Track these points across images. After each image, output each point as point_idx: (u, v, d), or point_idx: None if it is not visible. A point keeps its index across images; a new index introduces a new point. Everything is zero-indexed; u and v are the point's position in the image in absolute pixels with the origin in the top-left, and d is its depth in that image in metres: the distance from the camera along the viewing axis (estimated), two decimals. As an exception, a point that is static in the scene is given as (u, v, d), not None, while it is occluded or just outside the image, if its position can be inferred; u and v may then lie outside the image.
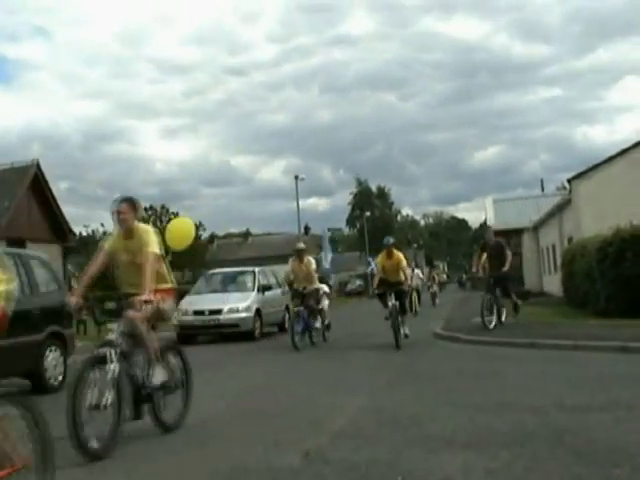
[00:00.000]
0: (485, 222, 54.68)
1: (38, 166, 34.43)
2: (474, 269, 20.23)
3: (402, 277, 17.20)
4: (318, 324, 18.64)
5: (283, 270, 23.35)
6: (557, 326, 17.87)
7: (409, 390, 10.13)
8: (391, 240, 18.17)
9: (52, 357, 11.89)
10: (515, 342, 15.08)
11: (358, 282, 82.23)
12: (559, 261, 32.28)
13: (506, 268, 17.89)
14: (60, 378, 12.05)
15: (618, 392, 8.76)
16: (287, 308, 24.66)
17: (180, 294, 25.17)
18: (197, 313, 21.31)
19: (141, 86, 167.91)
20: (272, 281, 24.51)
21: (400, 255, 17.79)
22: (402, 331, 16.39)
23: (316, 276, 19.10)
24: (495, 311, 17.93)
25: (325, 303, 19.32)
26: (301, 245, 19.79)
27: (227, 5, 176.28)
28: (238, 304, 21.30)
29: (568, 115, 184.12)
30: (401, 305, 16.81)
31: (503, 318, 18.39)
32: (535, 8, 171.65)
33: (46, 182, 35.02)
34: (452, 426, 7.22)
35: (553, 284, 36.13)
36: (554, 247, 37.86)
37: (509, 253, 18.28)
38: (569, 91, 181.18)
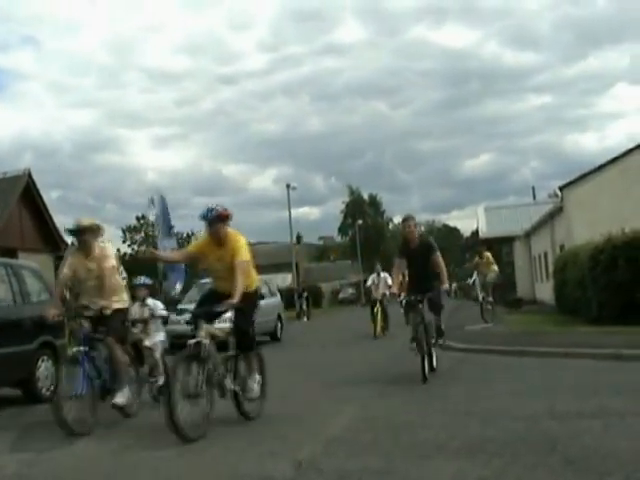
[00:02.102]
0: (477, 230, 54.71)
1: (30, 175, 34.37)
2: (393, 289, 13.26)
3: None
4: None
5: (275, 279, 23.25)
6: (549, 334, 17.89)
7: (401, 398, 10.14)
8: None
9: (44, 367, 11.85)
10: (507, 350, 15.10)
11: (350, 290, 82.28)
12: (551, 269, 32.31)
13: (445, 286, 12.18)
14: (52, 388, 11.99)
15: (610, 399, 8.77)
16: (279, 317, 24.71)
17: (173, 303, 25.31)
18: (189, 322, 21.23)
19: (132, 95, 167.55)
20: (264, 290, 24.45)
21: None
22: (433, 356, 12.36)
23: (120, 282, 10.63)
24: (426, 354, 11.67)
25: (157, 339, 11.68)
26: (83, 222, 9.62)
27: (218, 14, 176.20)
28: (229, 313, 21.24)
29: (559, 122, 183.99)
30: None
31: (434, 362, 12.35)
32: (525, 16, 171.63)
33: (38, 192, 34.96)
34: (445, 433, 7.23)
35: (545, 292, 36.15)
36: (546, 255, 37.90)
37: (441, 261, 12.09)
38: (560, 98, 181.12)
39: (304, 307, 45.17)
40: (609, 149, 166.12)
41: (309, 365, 15.97)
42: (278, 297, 26.45)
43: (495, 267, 24.24)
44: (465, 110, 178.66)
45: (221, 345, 8.85)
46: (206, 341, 8.20)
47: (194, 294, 24.24)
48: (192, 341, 8.16)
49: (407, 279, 12.87)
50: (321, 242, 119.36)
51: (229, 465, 6.47)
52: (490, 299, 23.69)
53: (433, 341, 12.23)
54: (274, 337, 24.16)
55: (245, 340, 8.94)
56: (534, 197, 58.76)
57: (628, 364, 12.14)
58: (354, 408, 9.29)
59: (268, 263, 71.86)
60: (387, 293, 22.78)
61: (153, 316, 11.64)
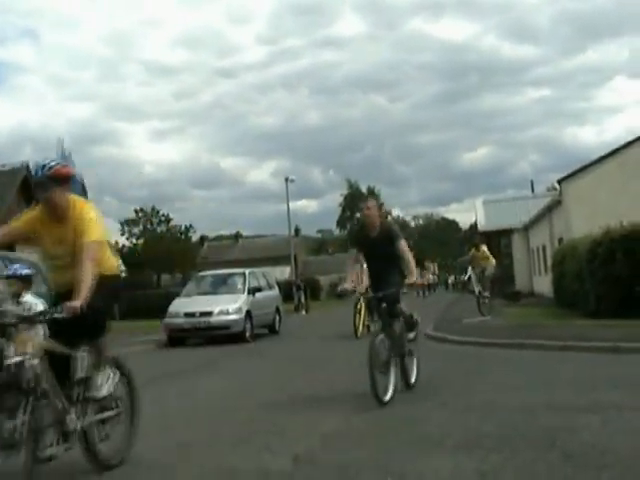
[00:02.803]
0: (475, 223, 54.73)
1: (28, 169, 34.29)
2: (346, 286, 10.70)
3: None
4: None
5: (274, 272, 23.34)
6: (547, 327, 17.89)
7: (400, 392, 10.13)
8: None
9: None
10: (505, 343, 15.10)
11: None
12: (549, 262, 32.34)
13: (412, 280, 9.72)
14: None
15: (608, 393, 8.78)
16: (278, 310, 24.71)
17: (170, 296, 25.31)
18: (187, 315, 21.29)
19: (130, 88, 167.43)
20: (262, 283, 24.56)
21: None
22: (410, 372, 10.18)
23: None
24: (393, 369, 9.35)
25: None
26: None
27: (216, 7, 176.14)
28: (228, 306, 21.30)
29: (557, 116, 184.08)
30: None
31: (413, 379, 10.13)
32: (524, 9, 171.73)
33: (36, 185, 34.93)
34: (442, 428, 7.23)
35: (543, 285, 36.17)
36: (544, 248, 37.92)
37: (407, 250, 9.85)
38: (558, 92, 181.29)
39: (302, 300, 45.13)
40: (608, 142, 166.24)
41: (307, 358, 15.97)
42: (276, 290, 26.44)
43: (492, 260, 24.12)
44: (464, 103, 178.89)
45: None
46: (32, 361, 5.42)
47: (192, 287, 24.25)
48: (9, 361, 5.32)
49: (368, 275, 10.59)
50: (319, 235, 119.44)
51: (226, 460, 6.46)
52: (487, 293, 23.64)
53: (407, 348, 9.95)
54: (272, 330, 24.16)
55: (93, 330, 6.10)
56: (533, 190, 58.83)
57: (626, 357, 12.16)
58: (352, 402, 9.27)
59: (266, 256, 72.01)
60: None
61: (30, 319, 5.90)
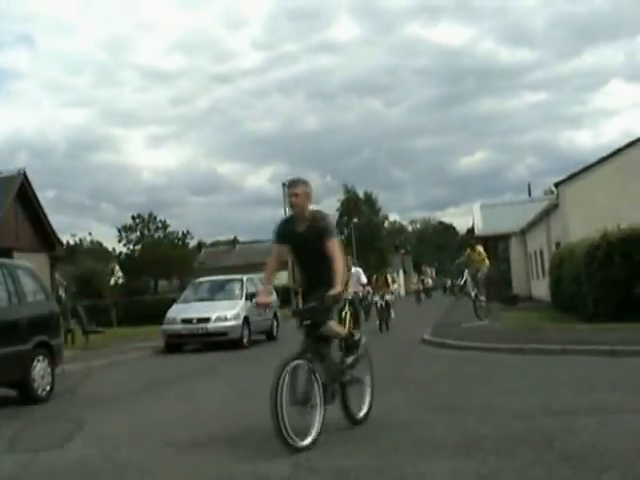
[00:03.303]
0: (472, 228, 54.74)
1: (25, 175, 34.35)
2: (259, 299, 9.13)
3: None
4: None
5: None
6: (545, 331, 17.88)
7: (398, 395, 10.12)
8: None
9: (40, 367, 11.81)
10: (503, 347, 15.10)
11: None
12: (547, 266, 32.34)
13: (335, 292, 7.51)
14: (48, 388, 11.97)
15: (606, 396, 8.79)
16: (275, 315, 24.69)
17: (168, 302, 25.30)
18: (185, 321, 21.28)
19: (126, 94, 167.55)
20: (260, 288, 24.49)
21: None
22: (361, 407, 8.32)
23: None
24: (319, 405, 7.26)
25: None
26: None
27: (213, 12, 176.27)
28: (226, 312, 21.28)
29: (554, 119, 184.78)
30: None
31: (361, 413, 8.17)
32: (520, 13, 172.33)
33: (33, 191, 34.94)
34: (441, 431, 7.22)
35: (541, 289, 36.16)
36: (542, 252, 37.92)
37: (337, 251, 7.81)
38: (555, 95, 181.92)
39: (300, 306, 45.08)
40: (604, 145, 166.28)
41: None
42: (274, 295, 26.40)
43: (486, 261, 23.94)
44: (460, 107, 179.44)
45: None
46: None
47: (190, 293, 24.22)
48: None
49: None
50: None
51: (224, 465, 6.45)
52: (483, 297, 23.56)
53: (349, 376, 7.99)
54: (270, 336, 24.14)
55: None
56: (530, 194, 58.82)
57: (624, 360, 12.16)
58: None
59: (264, 261, 71.83)
60: (360, 292, 21.78)
61: None
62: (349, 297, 17.00)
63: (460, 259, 26.27)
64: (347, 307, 16.15)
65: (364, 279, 21.39)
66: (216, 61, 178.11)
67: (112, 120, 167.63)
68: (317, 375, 7.25)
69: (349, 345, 8.33)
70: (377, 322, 25.30)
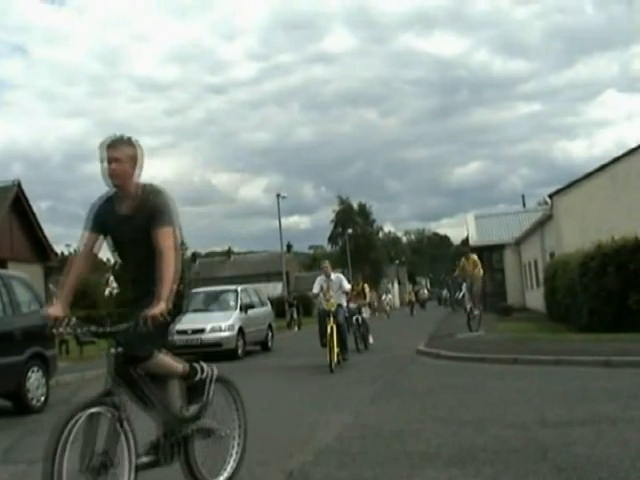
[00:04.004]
0: (467, 238, 54.77)
1: (19, 186, 34.30)
2: (54, 311, 5.26)
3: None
4: None
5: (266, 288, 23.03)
6: (540, 341, 17.89)
7: (393, 406, 10.13)
8: None
9: (34, 378, 11.79)
10: (498, 358, 15.09)
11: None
12: (541, 276, 32.41)
13: (155, 311, 4.86)
14: (42, 399, 11.95)
15: (601, 406, 8.79)
16: (270, 326, 24.70)
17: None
18: (180, 332, 21.20)
19: (121, 104, 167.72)
20: (255, 299, 24.52)
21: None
22: None
23: None
24: (127, 459, 5.06)
25: None
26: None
27: (207, 24, 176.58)
28: (221, 323, 21.26)
29: (548, 130, 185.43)
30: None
31: (221, 478, 5.92)
32: (514, 24, 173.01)
33: (27, 202, 34.88)
34: (436, 442, 7.22)
35: (536, 299, 36.22)
36: (536, 262, 37.99)
37: (170, 248, 5.16)
38: (548, 106, 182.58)
39: (295, 316, 45.07)
40: (598, 156, 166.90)
41: (299, 374, 15.93)
42: (269, 307, 26.44)
43: (480, 270, 23.60)
44: (454, 118, 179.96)
45: None
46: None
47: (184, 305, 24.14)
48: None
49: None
50: (311, 251, 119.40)
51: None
52: (477, 311, 23.42)
53: (192, 427, 5.63)
54: (265, 347, 24.13)
55: None
56: (524, 205, 58.96)
57: (619, 371, 12.17)
58: (344, 417, 9.27)
59: (258, 272, 72.01)
60: (345, 304, 17.84)
61: None
62: (332, 308, 16.33)
63: (456, 272, 25.95)
64: (331, 320, 16.08)
65: (347, 286, 17.33)
66: (211, 72, 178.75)
67: (107, 131, 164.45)
68: (126, 427, 5.03)
69: (191, 387, 5.80)
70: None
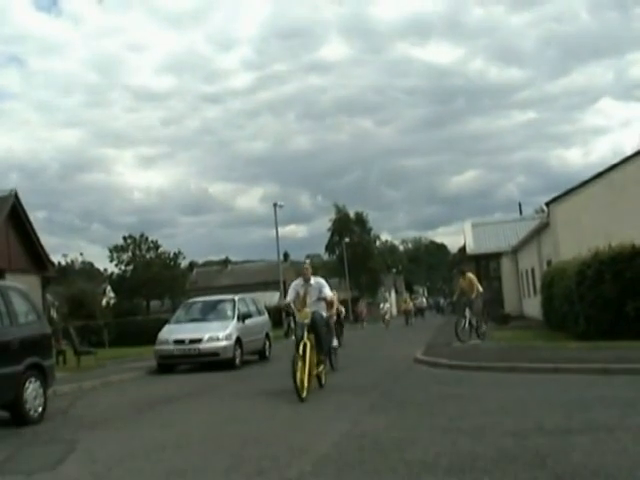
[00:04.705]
0: (464, 247, 54.80)
1: (16, 196, 34.29)
2: None
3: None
4: None
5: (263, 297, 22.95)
6: (537, 349, 17.90)
7: (391, 415, 10.12)
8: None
9: (32, 388, 11.77)
10: (496, 366, 15.10)
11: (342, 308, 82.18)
12: (538, 284, 32.41)
13: None
14: (40, 409, 11.92)
15: (599, 414, 8.80)
16: (267, 336, 24.69)
17: (160, 323, 25.24)
18: (177, 342, 21.21)
19: (117, 114, 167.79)
20: (252, 309, 24.50)
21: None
22: None
23: None
24: None
25: None
26: None
27: (202, 33, 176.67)
28: (218, 332, 21.21)
29: (544, 138, 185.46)
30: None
31: None
32: (509, 32, 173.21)
33: (25, 212, 34.87)
34: (434, 451, 7.22)
35: (533, 307, 36.23)
36: (533, 270, 38.00)
37: None
38: (544, 114, 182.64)
39: (292, 326, 45.01)
40: (594, 164, 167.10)
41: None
42: (266, 316, 26.42)
43: (478, 288, 23.29)
44: (450, 127, 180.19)
45: None
46: None
47: (182, 314, 24.15)
48: None
49: None
50: (308, 260, 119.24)
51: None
52: (484, 327, 23.25)
53: None
54: (262, 356, 24.09)
55: None
56: (521, 213, 58.97)
57: (616, 378, 12.19)
58: (342, 426, 9.26)
59: (255, 281, 71.97)
60: (325, 312, 14.69)
61: None
62: (306, 320, 13.32)
63: (455, 296, 25.22)
64: (305, 335, 13.10)
65: (328, 292, 14.83)
66: (207, 81, 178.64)
67: (103, 140, 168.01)
68: None
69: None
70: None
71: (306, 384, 12.45)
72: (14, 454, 8.90)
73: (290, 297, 14.53)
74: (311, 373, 12.93)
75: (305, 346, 12.90)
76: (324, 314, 14.44)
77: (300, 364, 12.53)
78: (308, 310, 13.63)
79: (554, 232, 30.05)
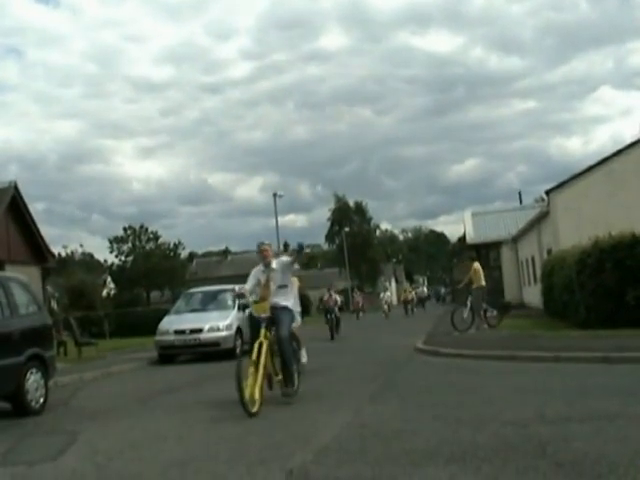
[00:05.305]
0: (464, 236, 54.81)
1: (16, 188, 34.25)
2: None
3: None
4: None
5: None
6: (538, 338, 17.91)
7: (392, 404, 10.13)
8: None
9: (33, 379, 11.78)
10: (496, 355, 15.11)
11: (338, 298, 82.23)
12: (538, 273, 32.42)
13: None
14: (41, 400, 11.94)
15: (600, 402, 8.80)
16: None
17: (160, 313, 25.27)
18: (178, 332, 21.24)
19: (116, 105, 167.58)
20: (251, 299, 24.46)
21: None
22: None
23: None
24: None
25: None
26: None
27: (201, 23, 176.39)
28: (219, 322, 21.24)
29: (543, 127, 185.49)
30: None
31: None
32: (509, 21, 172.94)
33: (24, 204, 34.82)
34: (435, 440, 7.22)
35: (533, 296, 36.25)
36: (533, 259, 38.01)
37: None
38: (544, 103, 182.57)
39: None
40: (594, 152, 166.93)
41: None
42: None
43: (481, 281, 23.37)
44: (450, 116, 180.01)
45: None
46: None
47: (182, 304, 24.17)
48: None
49: None
50: (308, 250, 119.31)
51: (222, 476, 6.43)
52: (489, 313, 23.29)
53: None
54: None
55: None
56: (521, 202, 58.97)
57: (617, 367, 12.20)
58: (344, 415, 9.27)
59: (256, 271, 71.76)
60: (291, 303, 11.87)
61: None
62: (264, 314, 10.96)
63: (464, 282, 24.82)
64: (263, 333, 10.61)
65: (294, 278, 13.17)
66: (205, 71, 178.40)
67: (102, 131, 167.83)
68: None
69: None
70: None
71: (257, 396, 9.99)
72: (16, 445, 8.91)
73: (249, 285, 11.61)
74: (256, 380, 10.16)
75: (261, 346, 10.45)
76: (289, 304, 11.64)
77: (252, 370, 10.13)
78: (266, 305, 11.05)
79: (554, 221, 30.06)
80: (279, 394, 10.93)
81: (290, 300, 11.82)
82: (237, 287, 12.10)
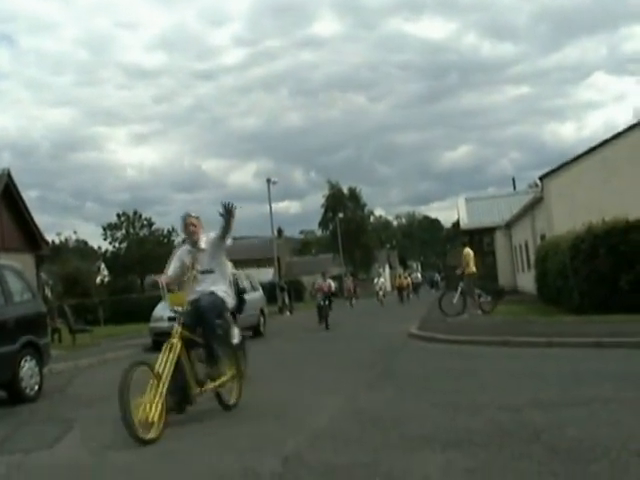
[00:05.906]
0: (458, 222, 54.85)
1: (9, 175, 34.18)
2: None
3: None
4: None
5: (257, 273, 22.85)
6: (531, 323, 17.96)
7: (388, 390, 10.16)
8: None
9: (27, 367, 11.80)
10: (490, 340, 15.15)
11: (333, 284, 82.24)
12: (532, 259, 32.48)
13: None
14: (36, 388, 11.97)
15: (593, 387, 8.84)
16: (262, 311, 24.75)
17: (154, 300, 25.27)
18: (172, 319, 21.21)
19: (109, 92, 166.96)
20: (246, 285, 24.50)
21: None
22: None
23: None
24: None
25: None
26: None
27: (193, 9, 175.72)
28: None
29: (537, 113, 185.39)
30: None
31: None
32: (502, 7, 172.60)
33: (18, 191, 34.76)
34: (431, 426, 7.25)
35: (527, 281, 36.31)
36: (527, 245, 38.07)
37: None
38: (537, 89, 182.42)
39: (286, 301, 45.20)
40: (587, 138, 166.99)
41: (292, 359, 15.99)
42: (260, 291, 26.50)
43: (471, 267, 23.42)
44: (444, 102, 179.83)
45: None
46: None
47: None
48: None
49: None
50: (302, 236, 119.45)
51: (216, 463, 6.44)
52: (482, 298, 23.38)
53: None
54: (257, 332, 24.20)
55: None
56: (514, 187, 59.02)
57: (610, 352, 12.24)
58: (339, 401, 9.29)
59: (249, 257, 71.83)
60: (222, 291, 9.26)
61: None
62: (180, 309, 8.90)
63: (460, 268, 24.74)
64: (176, 331, 8.56)
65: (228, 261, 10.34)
66: (198, 58, 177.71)
67: (95, 119, 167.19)
68: None
69: None
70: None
71: (156, 418, 7.61)
72: (11, 433, 8.93)
73: (172, 270, 9.28)
74: (187, 393, 8.46)
75: (172, 347, 8.33)
76: (221, 290, 9.19)
77: (153, 382, 7.89)
78: (184, 297, 9.03)
79: (548, 207, 30.08)
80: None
81: (220, 288, 9.20)
82: (162, 277, 9.13)
